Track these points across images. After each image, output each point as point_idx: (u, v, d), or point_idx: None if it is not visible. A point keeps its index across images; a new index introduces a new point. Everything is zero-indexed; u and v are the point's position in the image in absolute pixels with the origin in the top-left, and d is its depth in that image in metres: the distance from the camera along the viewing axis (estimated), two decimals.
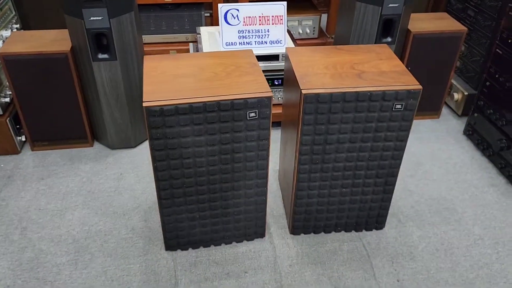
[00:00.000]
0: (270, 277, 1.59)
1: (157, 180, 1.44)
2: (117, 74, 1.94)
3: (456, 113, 2.53)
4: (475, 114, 2.24)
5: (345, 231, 1.78)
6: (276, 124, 2.37)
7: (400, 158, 1.58)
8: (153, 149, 1.38)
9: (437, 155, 2.22)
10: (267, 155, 1.49)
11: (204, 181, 1.49)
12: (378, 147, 1.53)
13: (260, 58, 2.18)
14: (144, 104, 1.31)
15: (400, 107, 1.44)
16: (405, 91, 1.41)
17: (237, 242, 1.72)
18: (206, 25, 2.90)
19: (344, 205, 1.69)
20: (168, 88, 1.38)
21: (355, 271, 1.62)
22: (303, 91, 1.38)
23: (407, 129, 1.50)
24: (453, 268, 1.64)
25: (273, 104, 2.33)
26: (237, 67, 1.52)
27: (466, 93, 2.42)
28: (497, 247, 1.73)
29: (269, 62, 2.19)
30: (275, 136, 2.31)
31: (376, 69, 1.52)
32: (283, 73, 2.22)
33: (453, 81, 2.49)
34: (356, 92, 1.40)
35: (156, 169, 1.42)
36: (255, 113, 1.38)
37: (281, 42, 2.18)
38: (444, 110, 2.55)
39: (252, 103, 1.35)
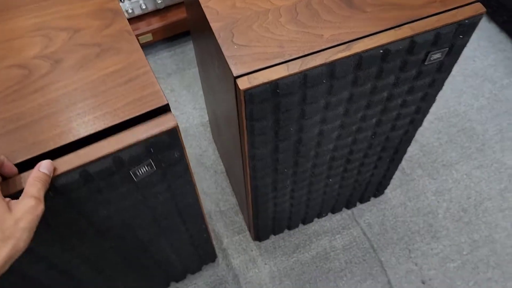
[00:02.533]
0: None
1: None
2: None
3: None
4: None
5: (332, 213, 1.19)
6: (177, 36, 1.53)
7: (422, 120, 0.90)
8: None
9: None
10: (199, 217, 0.77)
11: None
12: (389, 119, 0.83)
13: None
14: None
15: (440, 56, 0.70)
16: (453, 25, 0.65)
17: (177, 282, 1.10)
18: None
19: (332, 193, 1.06)
20: None
21: (361, 283, 1.09)
22: (241, 85, 0.59)
23: (442, 83, 0.79)
24: (491, 238, 1.15)
25: (165, 8, 1.43)
26: (76, 33, 0.65)
27: None
28: None
29: None
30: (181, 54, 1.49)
31: None
32: None
33: None
34: (355, 54, 0.62)
35: None
36: (150, 166, 0.60)
37: None
38: None
39: (134, 159, 0.57)
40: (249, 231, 1.16)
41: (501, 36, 1.51)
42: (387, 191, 1.22)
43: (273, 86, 0.60)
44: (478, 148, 1.28)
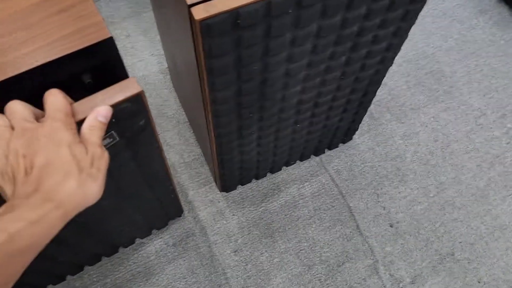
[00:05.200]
0: (209, 285, 1.01)
1: None
2: None
3: None
4: None
5: (301, 161, 1.16)
6: None
7: (393, 59, 0.85)
8: None
9: None
10: (166, 181, 0.72)
11: None
12: (359, 57, 0.78)
13: None
14: None
15: None
16: None
17: (142, 238, 1.05)
18: None
19: (300, 140, 1.02)
20: None
21: (330, 229, 1.08)
22: (196, 15, 0.52)
23: (416, 15, 0.73)
24: (457, 179, 1.15)
25: None
26: None
27: None
28: (504, 123, 1.22)
29: None
30: None
31: None
32: None
33: None
34: None
35: None
36: (111, 137, 0.54)
37: None
38: None
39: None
40: (216, 182, 1.11)
41: None
42: (355, 136, 1.19)
43: (234, 15, 0.53)
44: (445, 90, 1.26)
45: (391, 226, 1.09)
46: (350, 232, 1.08)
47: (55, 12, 0.51)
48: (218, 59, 0.59)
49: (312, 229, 1.08)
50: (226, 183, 1.07)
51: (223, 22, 0.53)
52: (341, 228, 1.08)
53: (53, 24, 0.51)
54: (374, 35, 0.73)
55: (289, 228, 1.08)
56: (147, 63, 1.26)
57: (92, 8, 0.52)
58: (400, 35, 0.77)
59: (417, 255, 1.06)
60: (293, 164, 1.15)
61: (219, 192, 1.11)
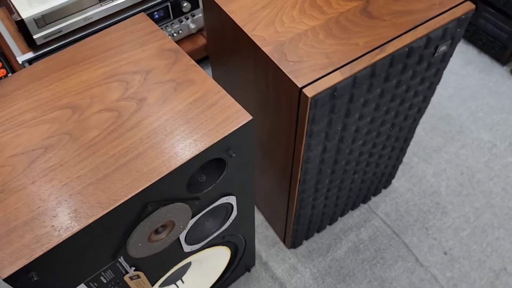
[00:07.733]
0: None
1: None
2: None
3: None
4: None
5: (352, 210, 1.30)
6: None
7: (426, 108, 1.05)
8: None
9: None
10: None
11: None
12: (404, 109, 0.97)
13: None
14: None
15: (445, 48, 0.85)
16: (454, 21, 0.80)
17: None
18: None
19: (355, 189, 1.17)
20: None
21: (394, 265, 1.20)
22: (308, 93, 0.70)
23: (442, 71, 0.94)
24: (489, 203, 1.31)
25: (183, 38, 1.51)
26: (148, 74, 0.73)
27: None
28: None
29: None
30: None
31: None
32: None
33: None
34: (389, 55, 0.75)
35: None
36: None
37: None
38: None
39: None
40: (283, 241, 1.23)
41: None
42: (393, 181, 1.36)
43: (332, 90, 0.71)
44: (458, 130, 1.46)
45: (445, 253, 1.22)
46: (412, 265, 1.20)
47: (205, 107, 0.68)
48: (316, 124, 0.76)
49: (378, 268, 1.20)
50: (296, 239, 1.19)
51: (326, 95, 0.71)
52: (403, 263, 1.20)
53: (207, 116, 0.67)
54: (415, 90, 0.92)
55: (357, 271, 1.19)
56: None
57: (231, 100, 0.69)
58: (432, 88, 0.97)
59: (475, 275, 1.18)
60: (346, 214, 1.29)
61: (287, 249, 1.23)
